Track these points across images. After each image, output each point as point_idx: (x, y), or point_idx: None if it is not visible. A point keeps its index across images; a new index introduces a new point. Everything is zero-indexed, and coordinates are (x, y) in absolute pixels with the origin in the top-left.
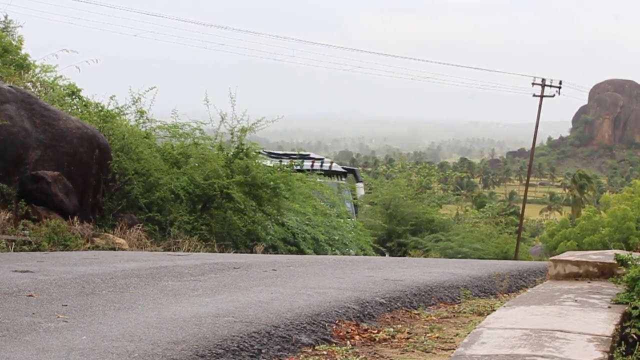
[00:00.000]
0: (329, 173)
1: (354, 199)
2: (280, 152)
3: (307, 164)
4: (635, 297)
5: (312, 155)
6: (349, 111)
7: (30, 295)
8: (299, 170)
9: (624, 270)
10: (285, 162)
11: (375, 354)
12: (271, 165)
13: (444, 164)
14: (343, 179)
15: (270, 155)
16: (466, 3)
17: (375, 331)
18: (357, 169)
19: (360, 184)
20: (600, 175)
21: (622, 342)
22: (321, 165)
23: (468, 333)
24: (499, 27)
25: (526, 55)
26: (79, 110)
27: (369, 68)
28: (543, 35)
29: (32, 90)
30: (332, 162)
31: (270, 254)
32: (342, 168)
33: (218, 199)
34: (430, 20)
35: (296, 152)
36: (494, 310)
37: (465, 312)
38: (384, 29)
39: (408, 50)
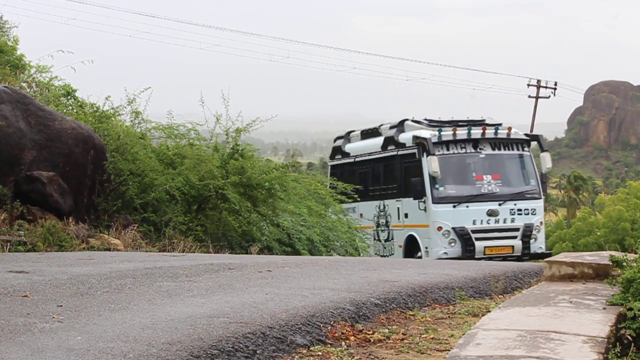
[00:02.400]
0: (507, 142)
1: (542, 173)
2: (444, 120)
3: (475, 133)
4: (630, 298)
5: (487, 120)
6: (346, 113)
7: (25, 296)
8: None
9: (619, 271)
10: (448, 130)
11: (370, 354)
12: (428, 135)
13: None
14: (525, 149)
15: (432, 123)
16: (463, 7)
17: (370, 332)
18: (540, 134)
19: (546, 154)
20: (595, 176)
21: (617, 343)
22: (495, 133)
23: (463, 334)
24: (495, 29)
25: (522, 57)
26: (75, 110)
27: (365, 69)
28: (539, 37)
29: (28, 90)
30: (510, 129)
31: (265, 254)
32: (524, 135)
33: (213, 200)
34: (427, 24)
35: (465, 119)
36: (489, 312)
37: (460, 313)
38: (381, 30)
39: (405, 53)
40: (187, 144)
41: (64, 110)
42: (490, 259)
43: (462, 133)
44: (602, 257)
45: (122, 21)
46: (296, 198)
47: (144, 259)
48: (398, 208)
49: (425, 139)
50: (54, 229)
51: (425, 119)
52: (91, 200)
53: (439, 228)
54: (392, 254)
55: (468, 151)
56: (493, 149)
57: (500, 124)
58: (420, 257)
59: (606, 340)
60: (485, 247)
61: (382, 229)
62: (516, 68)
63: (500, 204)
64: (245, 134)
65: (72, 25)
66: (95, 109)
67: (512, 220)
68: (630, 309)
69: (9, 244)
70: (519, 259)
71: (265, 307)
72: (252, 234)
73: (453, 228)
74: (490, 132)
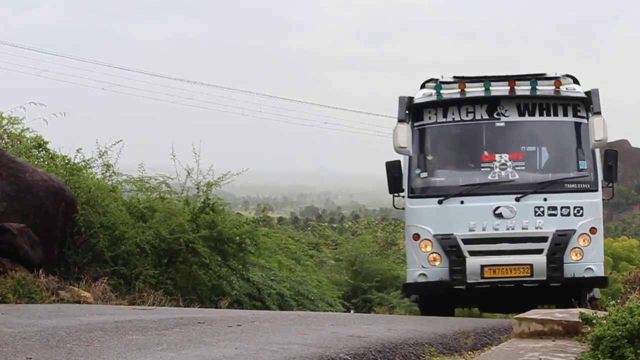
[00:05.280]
0: (549, 103)
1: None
2: (472, 76)
3: (497, 89)
4: (599, 356)
5: (523, 73)
6: (316, 167)
7: None
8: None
9: (589, 329)
10: (453, 88)
11: None
12: (421, 94)
13: None
14: (580, 112)
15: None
16: (439, 63)
17: None
18: (596, 88)
19: (600, 119)
20: None
21: None
22: (533, 90)
23: None
24: None
25: None
26: (46, 162)
27: (336, 124)
28: None
29: None
30: (558, 82)
31: (235, 309)
32: (581, 91)
33: (183, 254)
34: (402, 77)
35: (490, 76)
36: None
37: None
38: (355, 86)
39: (377, 107)
40: (158, 197)
41: (36, 162)
42: (493, 286)
43: (474, 90)
44: (572, 314)
45: (94, 73)
46: (267, 252)
47: (114, 312)
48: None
49: (405, 98)
50: (24, 281)
51: (455, 76)
52: (61, 253)
53: (415, 236)
54: None
55: (478, 118)
56: (522, 114)
57: (543, 74)
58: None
59: None
60: (483, 265)
61: None
62: None
63: (518, 199)
64: (216, 187)
65: (45, 77)
66: (66, 161)
67: (538, 225)
68: None
69: None
70: (544, 285)
71: None
72: (222, 288)
73: (435, 236)
74: (523, 89)
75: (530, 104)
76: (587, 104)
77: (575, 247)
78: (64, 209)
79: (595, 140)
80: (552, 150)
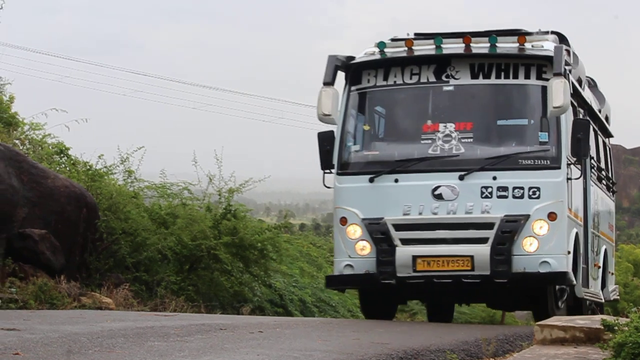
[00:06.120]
0: (508, 63)
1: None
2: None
3: (450, 47)
4: None
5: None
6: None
7: (16, 354)
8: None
9: (611, 335)
10: (399, 45)
11: None
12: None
13: None
14: (545, 74)
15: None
16: None
17: None
18: (561, 46)
19: (559, 81)
20: None
21: None
22: (493, 47)
23: None
24: None
25: None
26: (67, 168)
27: None
28: None
29: (21, 148)
30: (522, 38)
31: (257, 315)
32: (546, 48)
33: (205, 260)
34: None
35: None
36: None
37: None
38: None
39: None
40: (180, 203)
41: (57, 168)
42: (427, 280)
43: (424, 49)
44: (593, 321)
45: (115, 79)
46: (288, 259)
47: (136, 318)
48: None
49: (336, 58)
50: (45, 287)
51: (416, 34)
52: (83, 259)
53: (343, 220)
54: None
55: (423, 80)
56: (475, 76)
57: (510, 31)
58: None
59: None
60: (416, 256)
61: None
62: None
63: (462, 177)
64: (238, 194)
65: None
66: (88, 167)
67: (484, 209)
68: None
69: (0, 301)
70: (487, 281)
71: None
72: (244, 294)
73: (364, 220)
74: (480, 46)
75: (486, 65)
76: (551, 62)
77: (528, 236)
78: (85, 215)
79: (554, 107)
80: (509, 119)
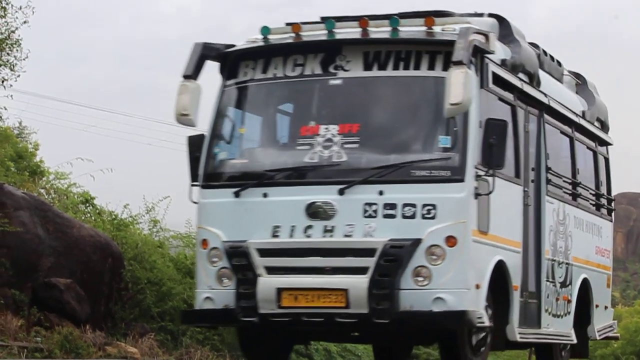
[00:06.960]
0: (410, 51)
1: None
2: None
3: (343, 32)
4: None
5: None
6: None
7: None
8: None
9: None
10: (285, 31)
11: None
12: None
13: None
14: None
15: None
16: None
17: None
18: (467, 26)
19: (459, 71)
20: (613, 288)
21: None
22: (394, 31)
23: None
24: None
25: None
26: (93, 218)
27: None
28: None
29: (46, 197)
30: (430, 20)
31: None
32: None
33: None
34: None
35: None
36: None
37: None
38: None
39: None
40: None
41: (82, 218)
42: (295, 319)
43: (314, 34)
44: None
45: (140, 128)
46: None
47: None
48: None
49: (202, 45)
50: (71, 336)
51: (321, 18)
52: (108, 308)
53: (204, 243)
54: None
55: (307, 73)
56: (369, 67)
57: (427, 13)
58: None
59: None
60: (280, 289)
61: None
62: None
63: (342, 191)
64: None
65: (91, 132)
66: (113, 217)
67: (367, 231)
68: None
69: (25, 350)
70: (365, 321)
71: None
72: None
73: (225, 243)
74: (380, 30)
75: (383, 53)
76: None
77: (419, 266)
78: (111, 264)
79: (450, 104)
80: (404, 119)
